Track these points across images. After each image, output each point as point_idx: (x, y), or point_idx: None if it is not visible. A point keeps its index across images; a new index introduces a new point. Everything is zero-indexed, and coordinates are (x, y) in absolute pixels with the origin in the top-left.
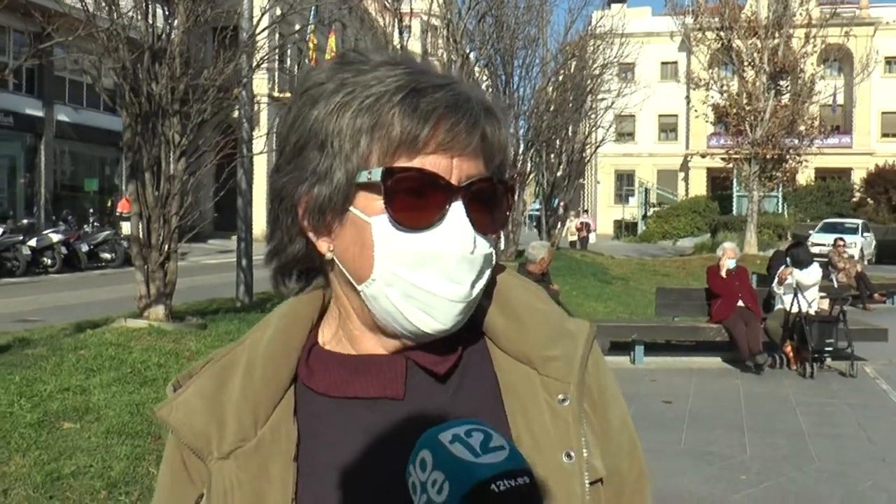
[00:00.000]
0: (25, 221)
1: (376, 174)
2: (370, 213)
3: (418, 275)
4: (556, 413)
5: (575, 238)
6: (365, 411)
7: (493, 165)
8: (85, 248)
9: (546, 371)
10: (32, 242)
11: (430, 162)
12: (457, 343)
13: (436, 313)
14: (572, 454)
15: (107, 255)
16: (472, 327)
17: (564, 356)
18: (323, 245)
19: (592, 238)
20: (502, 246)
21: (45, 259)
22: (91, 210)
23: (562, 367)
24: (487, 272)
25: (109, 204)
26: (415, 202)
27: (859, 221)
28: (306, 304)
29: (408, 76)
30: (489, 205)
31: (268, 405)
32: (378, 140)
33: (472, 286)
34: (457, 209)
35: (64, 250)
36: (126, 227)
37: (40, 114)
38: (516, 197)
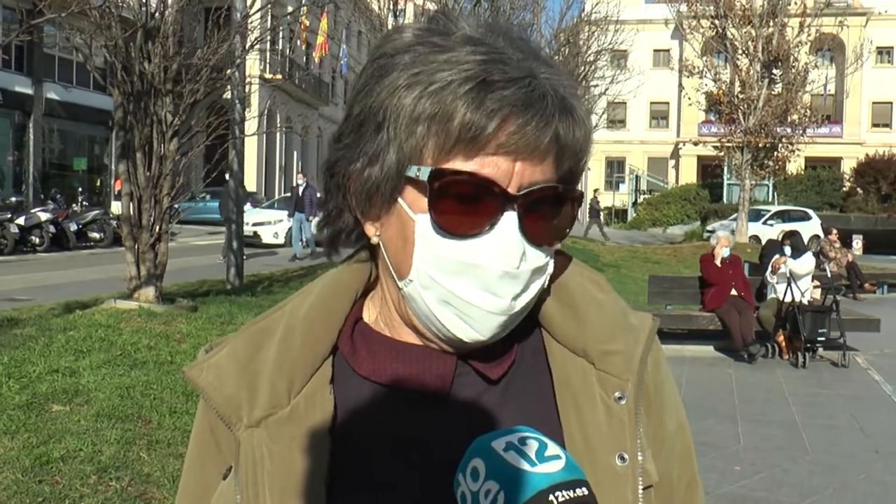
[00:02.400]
0: (14, 199)
1: (425, 173)
2: (416, 209)
3: (456, 282)
4: (611, 411)
5: None
6: (406, 404)
7: (563, 170)
8: (74, 227)
9: (603, 366)
10: (20, 220)
11: (490, 164)
12: (512, 340)
13: (473, 322)
14: (626, 456)
15: (95, 235)
16: (527, 317)
17: (624, 351)
18: (370, 228)
19: None
20: None
21: (33, 237)
22: (80, 189)
23: (621, 362)
24: (536, 283)
25: (98, 183)
26: (463, 208)
27: (774, 209)
28: (352, 275)
29: (482, 65)
30: (550, 214)
31: (304, 373)
32: (436, 133)
33: (515, 299)
34: (508, 219)
35: (52, 229)
36: (116, 207)
37: (29, 91)
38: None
